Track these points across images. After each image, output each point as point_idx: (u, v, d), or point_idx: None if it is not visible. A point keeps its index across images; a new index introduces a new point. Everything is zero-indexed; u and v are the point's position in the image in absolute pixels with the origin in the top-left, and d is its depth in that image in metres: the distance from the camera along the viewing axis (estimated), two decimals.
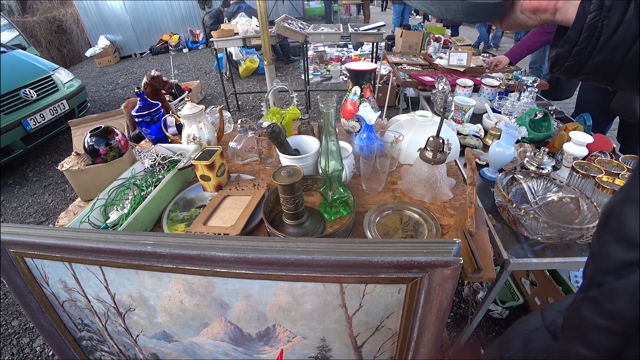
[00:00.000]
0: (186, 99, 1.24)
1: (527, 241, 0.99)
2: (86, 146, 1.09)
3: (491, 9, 0.56)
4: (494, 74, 2.38)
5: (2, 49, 3.99)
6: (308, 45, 4.06)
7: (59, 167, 1.12)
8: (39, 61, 4.05)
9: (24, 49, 4.52)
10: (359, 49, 6.63)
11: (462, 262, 0.49)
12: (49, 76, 3.82)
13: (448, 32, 3.49)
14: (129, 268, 0.62)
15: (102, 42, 7.84)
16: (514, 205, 0.90)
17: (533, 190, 0.99)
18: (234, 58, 5.68)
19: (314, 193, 1.04)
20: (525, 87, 1.89)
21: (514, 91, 1.95)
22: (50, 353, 1.78)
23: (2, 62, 3.70)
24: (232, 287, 0.58)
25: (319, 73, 5.61)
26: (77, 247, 0.61)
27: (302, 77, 4.72)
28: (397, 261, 0.49)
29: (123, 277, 0.64)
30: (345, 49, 6.83)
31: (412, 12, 9.17)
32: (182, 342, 0.72)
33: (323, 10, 9.56)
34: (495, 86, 1.94)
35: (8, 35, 5.36)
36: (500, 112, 1.79)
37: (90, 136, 1.09)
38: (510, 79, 2.31)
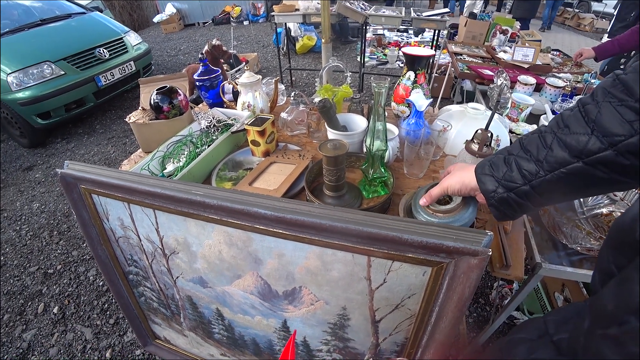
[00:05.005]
0: (245, 67, 1.30)
1: (564, 249, 0.94)
2: (152, 103, 1.19)
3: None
4: (561, 74, 2.20)
5: (82, 10, 4.34)
6: (367, 27, 3.97)
7: (126, 119, 1.24)
8: (113, 23, 4.34)
9: (101, 11, 4.86)
10: (420, 35, 6.35)
11: (490, 253, 0.49)
12: (121, 38, 4.10)
13: (517, 24, 3.23)
14: (178, 214, 0.68)
15: (169, 9, 8.20)
16: (558, 210, 0.86)
17: (582, 200, 0.94)
18: (292, 34, 5.70)
19: (356, 170, 1.06)
20: None
21: (580, 94, 1.79)
22: (101, 283, 2.01)
23: (82, 23, 4.04)
24: (268, 244, 0.63)
25: (375, 57, 5.47)
26: (137, 189, 0.68)
27: (358, 59, 4.64)
28: (427, 242, 0.50)
29: (172, 222, 0.71)
30: (405, 34, 6.57)
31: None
32: (215, 289, 0.79)
33: None
34: (560, 87, 1.80)
35: None
36: None
37: (156, 94, 1.18)
38: (579, 81, 2.12)
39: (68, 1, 4.43)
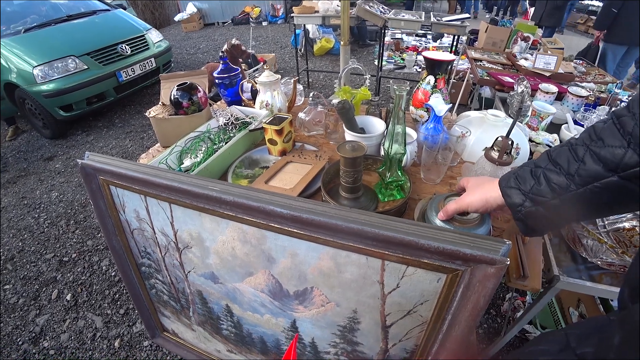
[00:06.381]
0: (265, 67, 1.31)
1: (584, 263, 0.90)
2: (172, 98, 1.21)
3: None
4: (584, 84, 2.15)
5: (107, 7, 4.46)
6: (386, 31, 3.96)
7: (146, 114, 1.26)
8: (135, 21, 4.44)
9: (124, 9, 4.99)
10: (439, 40, 6.28)
11: (508, 262, 0.47)
12: (143, 35, 4.18)
13: (539, 31, 3.17)
14: (193, 209, 0.69)
15: (190, 9, 8.36)
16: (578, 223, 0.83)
17: None
18: (311, 36, 5.71)
19: (372, 173, 1.05)
20: (618, 102, 1.68)
21: (603, 104, 1.74)
22: (113, 273, 2.05)
23: (106, 19, 4.15)
24: (282, 243, 0.62)
25: (393, 61, 5.44)
26: (155, 182, 0.69)
27: (376, 63, 4.64)
28: (443, 248, 0.49)
29: (187, 216, 0.72)
30: (423, 39, 6.50)
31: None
32: (226, 286, 0.79)
33: None
34: (583, 96, 1.75)
35: None
36: (582, 126, 1.62)
37: (176, 90, 1.20)
38: (602, 91, 2.06)
39: None
